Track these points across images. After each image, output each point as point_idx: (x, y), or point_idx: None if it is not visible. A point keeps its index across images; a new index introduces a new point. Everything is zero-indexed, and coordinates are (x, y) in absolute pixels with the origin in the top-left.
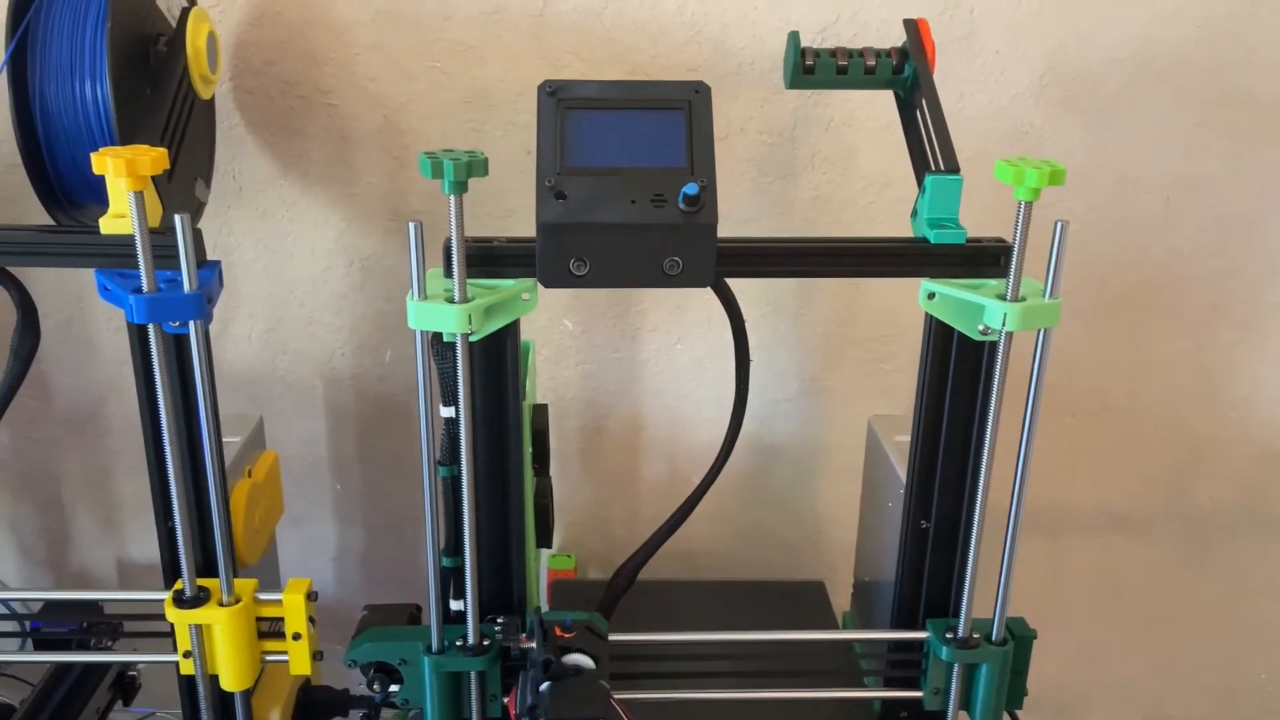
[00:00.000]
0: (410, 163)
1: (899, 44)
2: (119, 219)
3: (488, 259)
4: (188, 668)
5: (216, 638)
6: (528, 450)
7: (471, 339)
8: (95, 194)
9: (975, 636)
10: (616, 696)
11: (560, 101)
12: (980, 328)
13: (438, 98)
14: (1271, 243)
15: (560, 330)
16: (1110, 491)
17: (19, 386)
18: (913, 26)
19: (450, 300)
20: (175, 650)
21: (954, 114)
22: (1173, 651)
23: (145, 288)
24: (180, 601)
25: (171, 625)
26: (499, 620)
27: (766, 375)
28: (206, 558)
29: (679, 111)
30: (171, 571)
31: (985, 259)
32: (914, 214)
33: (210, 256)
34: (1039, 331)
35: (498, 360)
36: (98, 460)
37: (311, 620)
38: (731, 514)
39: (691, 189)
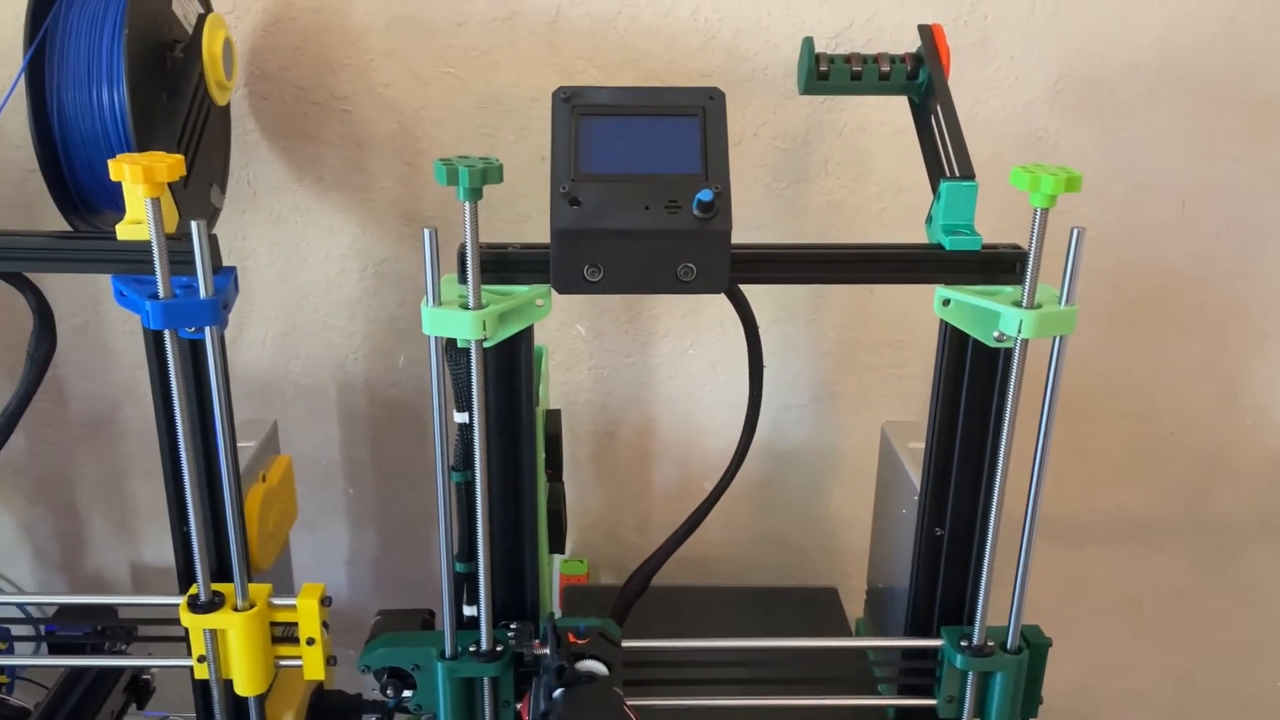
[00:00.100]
0: (424, 168)
1: (913, 49)
2: (136, 225)
3: (502, 265)
4: (202, 672)
5: (231, 643)
6: (541, 456)
7: (485, 345)
8: (112, 200)
9: (990, 644)
10: (630, 703)
11: (574, 108)
12: (995, 334)
13: (452, 103)
14: None
15: (573, 335)
16: (1125, 499)
17: (35, 391)
18: (927, 32)
19: (465, 306)
20: (190, 655)
21: (968, 119)
22: (1189, 660)
23: (161, 294)
24: (195, 606)
25: (186, 630)
26: (512, 626)
27: (779, 380)
28: (221, 562)
29: (693, 118)
30: (186, 576)
31: (1001, 265)
32: (929, 220)
33: (225, 262)
34: (1054, 338)
35: (511, 366)
36: (113, 464)
37: (325, 625)
38: (744, 520)
39: (706, 195)
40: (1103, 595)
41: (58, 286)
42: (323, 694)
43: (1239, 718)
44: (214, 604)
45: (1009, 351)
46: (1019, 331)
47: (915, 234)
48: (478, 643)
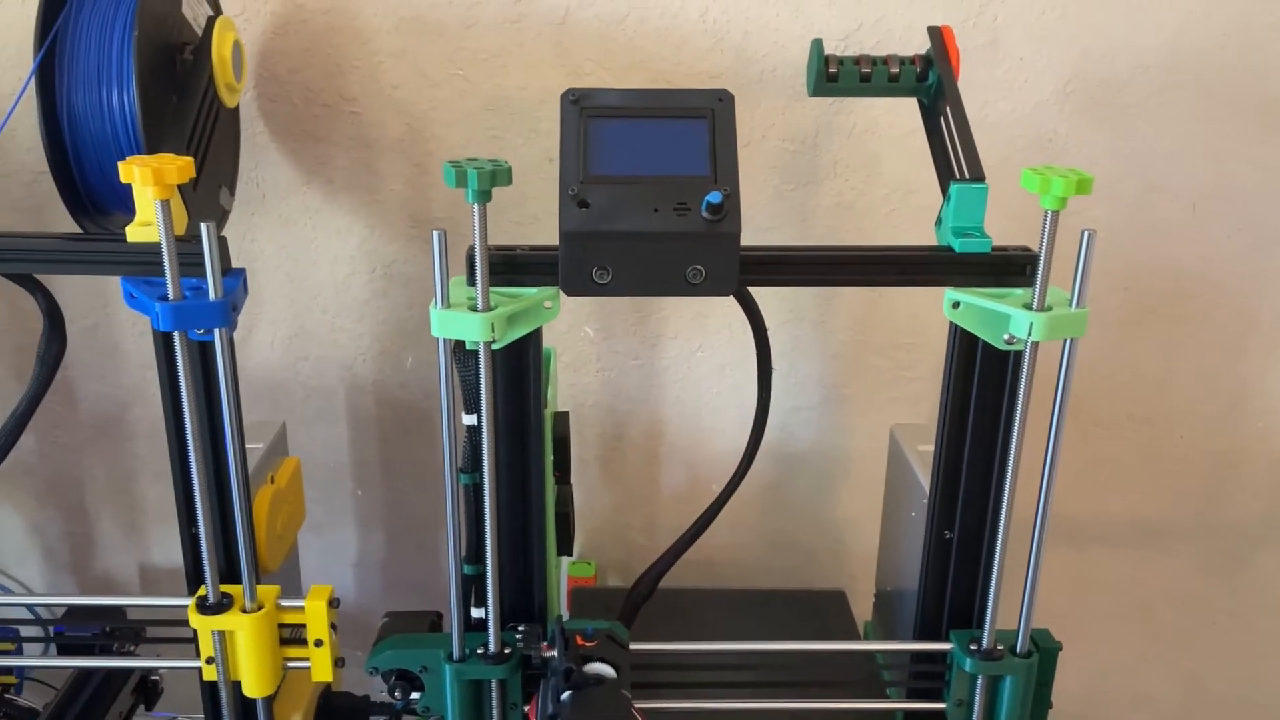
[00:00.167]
0: (433, 170)
1: (922, 51)
2: (145, 227)
3: (510, 267)
4: (210, 674)
5: (239, 644)
6: (549, 458)
7: (494, 347)
8: (122, 202)
9: (1000, 648)
10: (637, 706)
11: (583, 110)
12: (1005, 337)
13: (460, 105)
14: None
15: (581, 337)
16: (1136, 502)
17: (45, 392)
18: (937, 34)
19: (473, 308)
20: (198, 656)
21: (977, 121)
22: (1199, 664)
23: (171, 295)
24: (203, 608)
25: (194, 631)
26: (520, 628)
27: (788, 383)
28: (229, 564)
29: (702, 120)
30: (195, 577)
31: (1011, 268)
32: (938, 222)
33: (234, 263)
34: (1065, 341)
35: (520, 368)
36: (122, 465)
37: (333, 627)
38: (752, 522)
39: (715, 197)
40: (1113, 599)
41: (68, 288)
42: (330, 696)
43: None
44: (222, 605)
45: (1019, 354)
46: (1029, 334)
47: (924, 236)
48: (485, 645)
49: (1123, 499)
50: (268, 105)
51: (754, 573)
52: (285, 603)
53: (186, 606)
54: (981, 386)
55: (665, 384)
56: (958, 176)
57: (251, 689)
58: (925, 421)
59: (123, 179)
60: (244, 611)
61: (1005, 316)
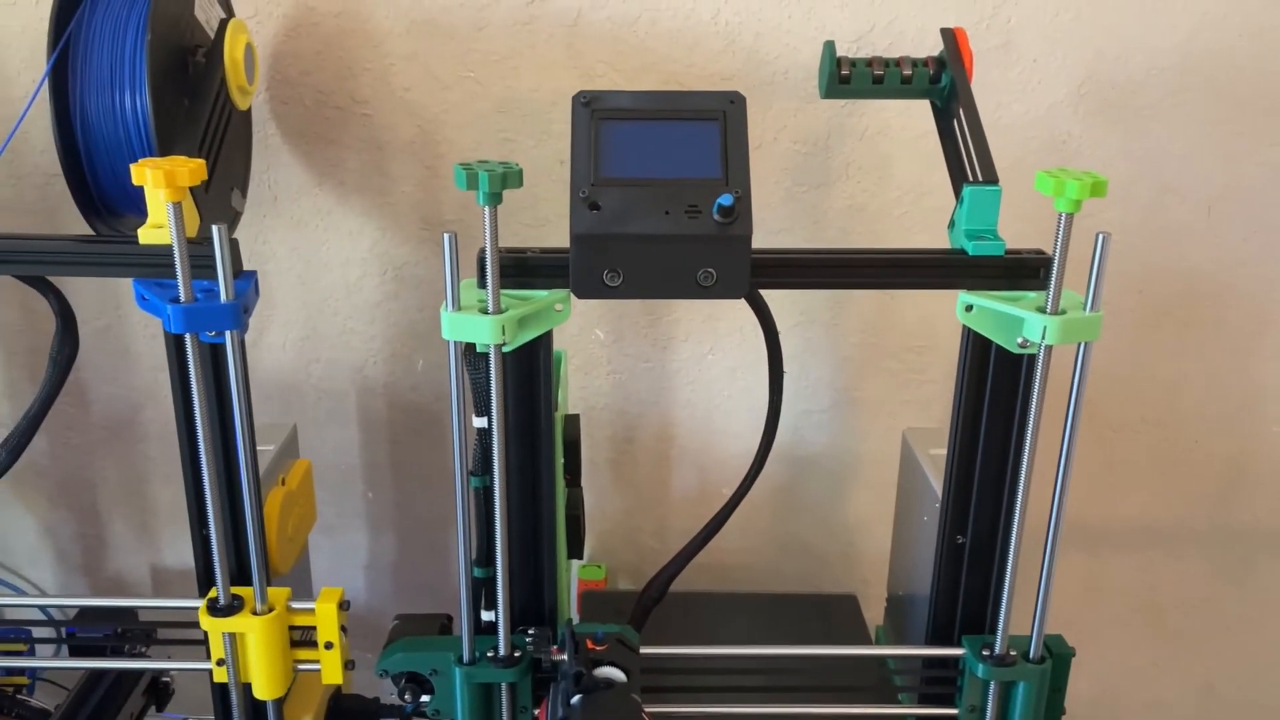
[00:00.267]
0: (444, 172)
1: (935, 53)
2: (157, 229)
3: (521, 269)
4: (221, 676)
5: (249, 646)
6: (559, 461)
7: (504, 349)
8: (134, 204)
9: (1012, 654)
10: (648, 710)
11: (594, 112)
12: (1019, 341)
13: (472, 107)
14: None
15: (592, 340)
16: (1148, 506)
17: (58, 393)
18: (950, 36)
19: (484, 311)
20: (209, 658)
21: (991, 123)
22: (1211, 669)
23: (183, 298)
24: (214, 610)
25: (205, 633)
26: (530, 631)
27: (799, 385)
28: (240, 565)
29: (714, 122)
30: (205, 579)
31: (1025, 271)
32: (951, 225)
33: (246, 265)
34: (1079, 345)
35: (530, 371)
36: (134, 467)
37: (343, 629)
38: (764, 526)
39: (726, 200)
40: (1125, 603)
41: (80, 290)
42: (340, 698)
43: None
44: (233, 607)
45: (1032, 358)
46: (1043, 338)
47: (937, 239)
48: (495, 648)
49: (1135, 503)
50: (280, 107)
51: (765, 576)
52: (296, 605)
53: (197, 608)
54: (994, 390)
55: (676, 387)
56: (971, 179)
57: (262, 691)
58: (937, 425)
59: (135, 181)
60: (254, 614)
61: (1019, 320)
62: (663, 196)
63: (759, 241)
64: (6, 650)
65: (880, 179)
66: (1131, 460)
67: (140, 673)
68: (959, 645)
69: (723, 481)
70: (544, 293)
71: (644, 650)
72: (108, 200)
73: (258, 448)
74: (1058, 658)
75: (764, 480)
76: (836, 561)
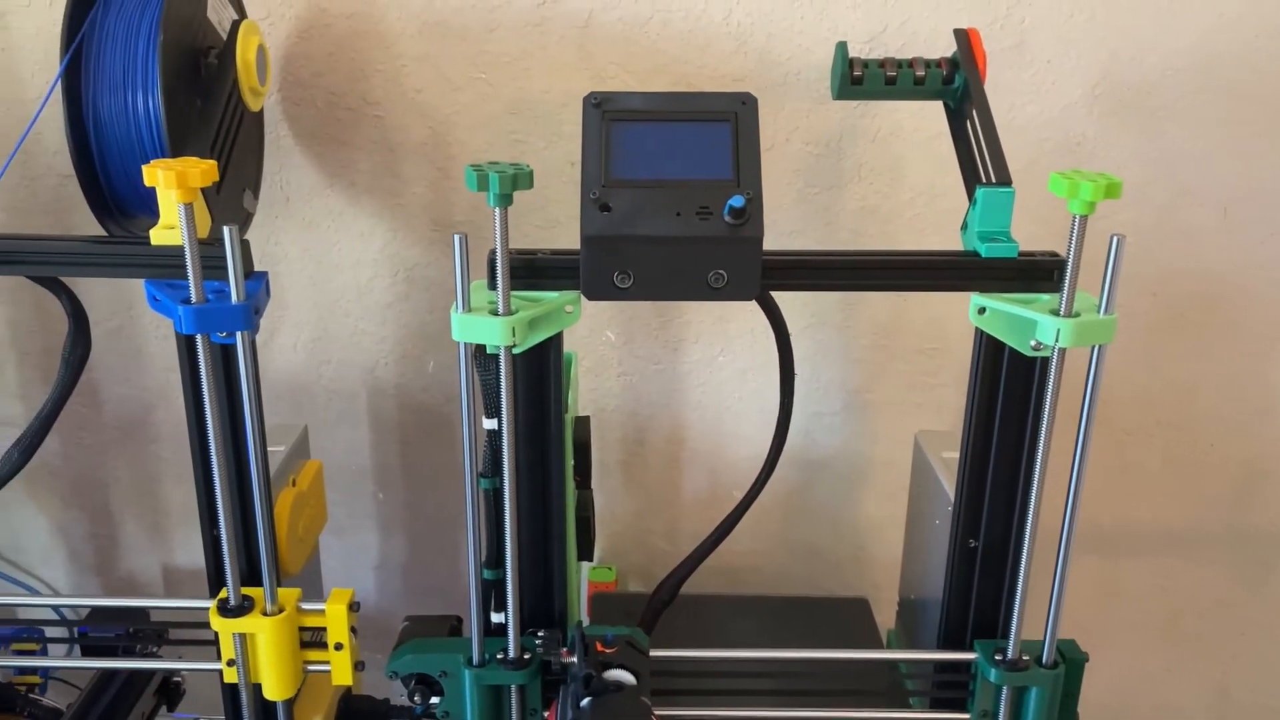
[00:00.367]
0: (455, 173)
1: (948, 54)
2: (169, 230)
3: (532, 271)
4: (231, 676)
5: (260, 647)
6: (569, 463)
7: (515, 351)
8: (146, 205)
9: (1025, 658)
10: (658, 713)
11: (605, 113)
12: (1032, 343)
13: (483, 109)
14: None
15: (602, 341)
16: (1163, 510)
17: (70, 394)
18: (963, 36)
19: (494, 312)
20: (219, 658)
21: (1004, 125)
22: (1227, 675)
23: (194, 298)
24: (224, 610)
25: (216, 633)
26: (540, 634)
27: (810, 388)
28: (251, 566)
29: (725, 123)
30: (216, 580)
31: (1038, 273)
32: (964, 227)
33: (257, 266)
34: (1093, 347)
35: (540, 372)
36: (145, 467)
37: (353, 630)
38: (774, 529)
39: (737, 201)
40: (1139, 608)
41: (92, 290)
42: (350, 699)
43: None
44: (243, 608)
45: (1046, 360)
46: (1056, 340)
47: (949, 240)
48: (505, 650)
49: (1150, 507)
50: (292, 109)
51: (776, 579)
52: (306, 606)
53: (208, 609)
54: (1007, 393)
55: (687, 389)
56: (984, 180)
57: (272, 691)
58: (949, 428)
59: (147, 182)
60: (265, 614)
61: (1032, 322)
62: (674, 198)
63: (770, 243)
64: (19, 650)
65: (893, 180)
66: (1146, 463)
67: (151, 672)
68: (971, 650)
69: (733, 484)
70: (554, 294)
71: (654, 653)
72: (120, 201)
73: (269, 448)
74: (1071, 663)
75: (775, 483)
76: (848, 565)
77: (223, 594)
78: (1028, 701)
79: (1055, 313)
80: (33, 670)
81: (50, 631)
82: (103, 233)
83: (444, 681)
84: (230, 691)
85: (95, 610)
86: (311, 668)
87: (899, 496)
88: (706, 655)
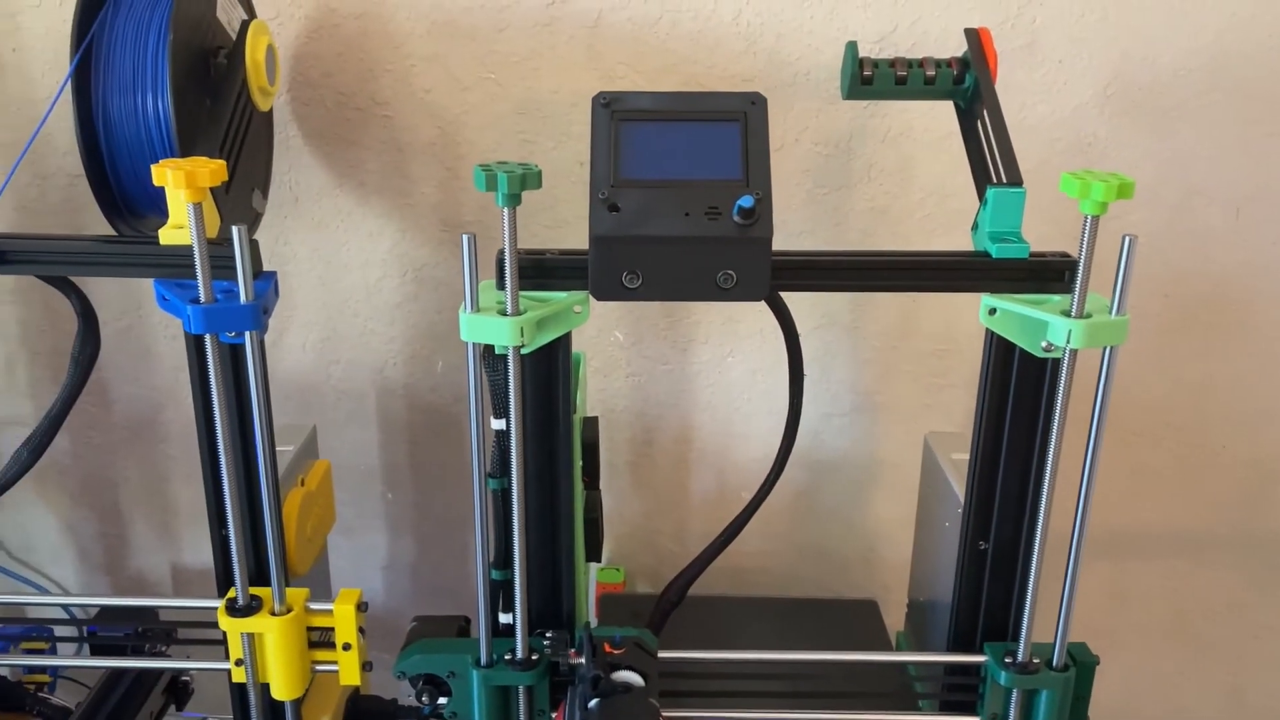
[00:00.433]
0: (463, 173)
1: (959, 53)
2: (178, 230)
3: (540, 271)
4: (239, 676)
5: (268, 647)
6: (578, 464)
7: (523, 351)
8: (155, 205)
9: (1035, 662)
10: (666, 714)
11: (614, 113)
12: (1043, 345)
13: (491, 109)
14: None
15: (610, 342)
16: (1174, 512)
17: (79, 393)
18: (974, 36)
19: (502, 313)
20: (228, 658)
21: (1015, 125)
22: (1239, 678)
23: (203, 298)
24: (233, 610)
25: (224, 633)
26: (548, 635)
27: (819, 389)
28: (259, 566)
29: (734, 123)
30: (225, 579)
31: (1049, 274)
32: (974, 227)
33: (266, 266)
34: (1104, 349)
35: (549, 373)
36: (155, 466)
37: (361, 631)
38: (783, 530)
39: (747, 201)
40: (1150, 611)
41: (102, 290)
42: (358, 699)
43: None
44: (252, 608)
45: (1057, 362)
46: (1068, 342)
47: (960, 241)
48: (513, 651)
49: (1160, 509)
50: (301, 109)
51: (784, 581)
52: (314, 606)
53: (216, 608)
54: (1018, 394)
55: (695, 389)
56: (995, 180)
57: (280, 691)
58: (959, 430)
59: (156, 182)
60: (273, 614)
61: (1043, 324)
62: (683, 198)
63: (779, 244)
64: (29, 648)
65: (902, 181)
66: (1157, 465)
67: (160, 672)
68: (981, 652)
69: (742, 485)
70: (563, 294)
71: (662, 654)
72: (130, 201)
73: (277, 448)
74: (1081, 666)
75: (784, 484)
76: (856, 566)
77: (231, 594)
78: (1038, 705)
79: (1067, 314)
80: (42, 669)
81: (59, 630)
82: (112, 232)
83: (452, 682)
84: (238, 691)
85: (104, 609)
86: (319, 668)
87: (908, 498)
88: (714, 657)
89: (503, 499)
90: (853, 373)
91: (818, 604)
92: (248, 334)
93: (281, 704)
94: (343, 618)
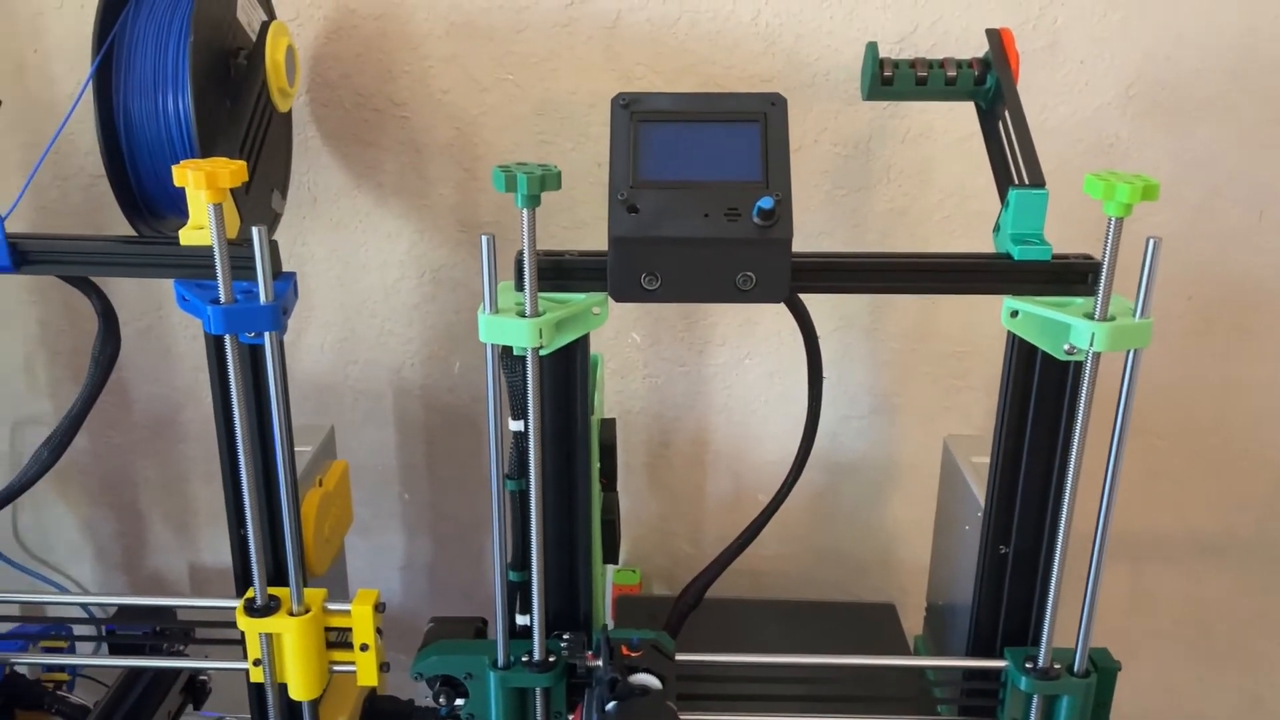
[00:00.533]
0: (481, 174)
1: (980, 54)
2: (198, 230)
3: (559, 272)
4: (257, 676)
5: (286, 647)
6: (595, 465)
7: (541, 353)
8: (176, 205)
9: (1056, 667)
10: (683, 718)
11: (633, 114)
12: (1066, 347)
13: (510, 110)
14: None
15: (628, 343)
16: (1196, 516)
17: (100, 393)
18: (995, 36)
19: (521, 314)
20: (245, 658)
21: (1037, 126)
22: (1260, 684)
23: (223, 299)
24: (251, 610)
25: (242, 633)
26: (565, 636)
27: (838, 391)
28: (277, 566)
29: (754, 124)
30: (243, 579)
31: (1072, 276)
32: (996, 229)
33: (285, 267)
34: (1128, 352)
35: (567, 374)
36: (174, 466)
37: (379, 631)
38: (801, 533)
39: (766, 203)
40: (1171, 616)
41: (122, 290)
42: (375, 700)
43: None
44: (269, 608)
45: (1079, 365)
46: (1091, 345)
47: (980, 243)
48: (530, 653)
49: (1182, 512)
50: (320, 110)
51: (802, 584)
52: (332, 606)
53: (234, 608)
54: (1040, 398)
55: (713, 391)
56: (1016, 182)
57: (297, 691)
58: (979, 432)
59: (176, 183)
60: (291, 614)
61: (1066, 326)
62: (702, 199)
63: (798, 245)
64: (48, 647)
65: (922, 182)
66: (1178, 469)
67: (178, 671)
68: (1001, 657)
69: (759, 487)
70: (581, 296)
71: (679, 657)
72: (150, 201)
73: (295, 448)
74: (1103, 671)
75: (801, 486)
76: (875, 569)
77: (249, 593)
78: (1059, 711)
79: (1090, 316)
80: (60, 667)
81: (78, 629)
82: (133, 233)
83: (469, 683)
84: (256, 691)
85: (123, 608)
86: (337, 668)
87: (927, 501)
88: (732, 660)
89: (520, 500)
90: (871, 375)
91: (835, 607)
92: (267, 334)
93: (299, 704)
94: (360, 618)
